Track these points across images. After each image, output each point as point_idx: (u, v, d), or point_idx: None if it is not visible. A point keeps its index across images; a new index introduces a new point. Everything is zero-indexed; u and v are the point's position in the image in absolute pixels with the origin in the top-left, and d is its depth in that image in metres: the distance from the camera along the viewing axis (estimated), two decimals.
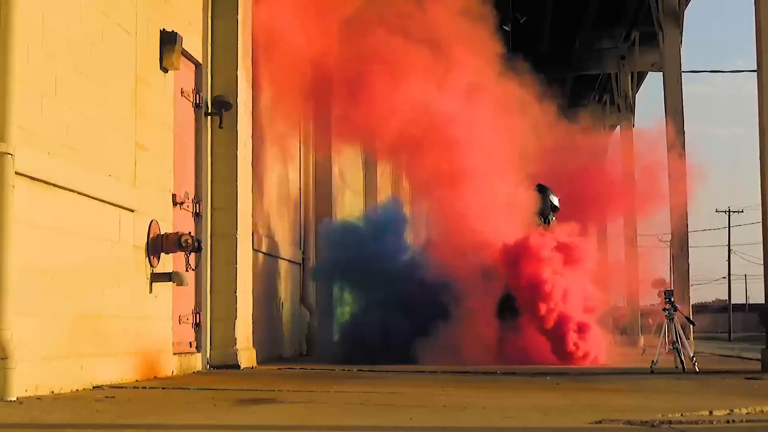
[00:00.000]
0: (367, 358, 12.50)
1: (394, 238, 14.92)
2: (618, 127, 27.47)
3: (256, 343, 11.35)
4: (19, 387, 6.50)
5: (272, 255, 14.23)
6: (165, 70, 9.49)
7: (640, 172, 21.90)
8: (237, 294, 10.72)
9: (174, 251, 9.40)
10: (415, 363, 12.54)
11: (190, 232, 9.74)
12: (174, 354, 9.56)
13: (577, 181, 19.58)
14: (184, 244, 9.31)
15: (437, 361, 12.46)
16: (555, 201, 15.94)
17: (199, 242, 9.65)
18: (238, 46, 10.99)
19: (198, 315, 10.44)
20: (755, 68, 11.54)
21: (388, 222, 15.25)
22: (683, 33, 18.83)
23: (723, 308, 79.82)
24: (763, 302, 13.71)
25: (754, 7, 11.51)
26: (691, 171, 18.31)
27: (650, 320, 21.37)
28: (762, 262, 11.80)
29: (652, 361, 11.27)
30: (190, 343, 10.27)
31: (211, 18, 10.91)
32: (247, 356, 10.90)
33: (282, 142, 14.39)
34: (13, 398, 6.39)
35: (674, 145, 18.19)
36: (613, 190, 21.84)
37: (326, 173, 17.20)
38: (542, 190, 15.88)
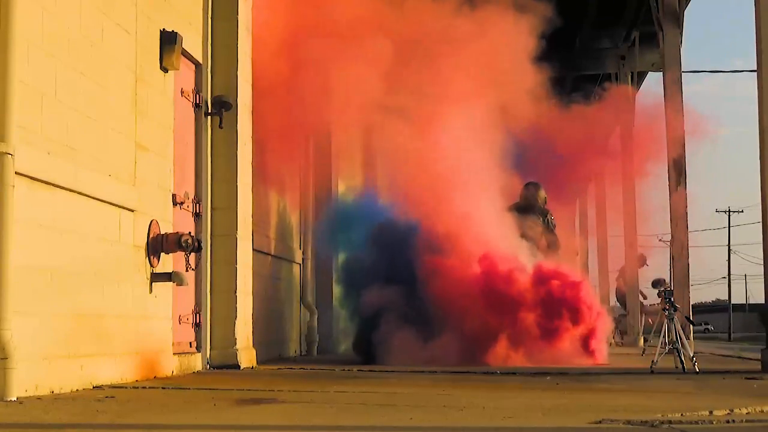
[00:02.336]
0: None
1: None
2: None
3: (256, 343, 11.35)
4: (19, 387, 6.50)
5: (272, 255, 14.24)
6: (165, 70, 9.49)
7: (638, 130, 22.04)
8: (237, 294, 10.72)
9: (174, 251, 9.40)
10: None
11: (190, 232, 9.74)
12: (174, 354, 9.56)
13: (575, 144, 19.63)
14: (184, 244, 9.31)
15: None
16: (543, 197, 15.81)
17: (199, 242, 9.65)
18: (239, 46, 10.99)
19: (198, 315, 10.44)
20: (755, 68, 11.53)
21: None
22: (683, 33, 18.83)
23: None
24: (763, 302, 13.70)
25: (754, 7, 11.50)
26: (692, 124, 18.32)
27: (650, 320, 21.41)
28: (762, 262, 11.79)
29: (652, 361, 11.27)
30: (190, 343, 10.27)
31: (212, 18, 10.91)
32: (247, 356, 10.90)
33: (283, 141, 14.38)
34: (13, 398, 6.40)
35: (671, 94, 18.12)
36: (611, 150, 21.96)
37: (327, 172, 17.20)
38: (533, 190, 15.72)
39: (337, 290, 16.37)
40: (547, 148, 19.84)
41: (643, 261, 24.96)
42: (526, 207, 15.27)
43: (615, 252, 28.04)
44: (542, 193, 15.88)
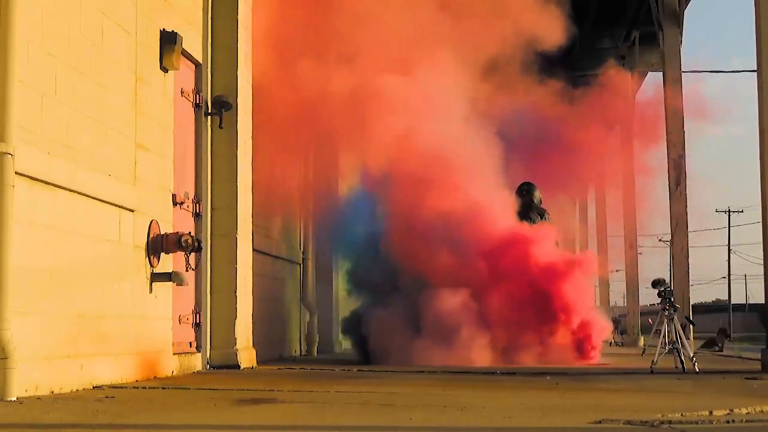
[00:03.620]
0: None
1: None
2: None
3: (256, 343, 11.35)
4: (19, 387, 6.50)
5: (272, 255, 14.24)
6: (165, 70, 9.49)
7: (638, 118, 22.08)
8: (237, 294, 10.72)
9: (174, 251, 9.40)
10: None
11: (190, 232, 9.74)
12: (174, 354, 9.56)
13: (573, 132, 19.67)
14: (184, 244, 9.31)
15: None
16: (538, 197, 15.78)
17: (199, 242, 9.65)
18: (239, 46, 10.99)
19: (198, 315, 10.44)
20: (755, 68, 11.54)
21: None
22: (683, 33, 18.84)
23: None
24: (763, 302, 13.70)
25: (754, 7, 11.50)
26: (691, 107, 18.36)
27: (650, 320, 21.43)
28: (762, 262, 11.80)
29: (652, 361, 11.27)
30: (190, 343, 10.27)
31: (211, 18, 10.91)
32: (247, 356, 10.90)
33: (283, 141, 14.38)
34: (13, 398, 6.39)
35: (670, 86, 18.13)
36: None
37: (328, 172, 17.17)
38: (528, 190, 15.68)
39: (340, 286, 16.41)
40: (548, 132, 19.88)
41: (724, 335, 25.21)
42: (523, 207, 15.28)
43: (615, 252, 28.08)
44: (537, 194, 15.91)
